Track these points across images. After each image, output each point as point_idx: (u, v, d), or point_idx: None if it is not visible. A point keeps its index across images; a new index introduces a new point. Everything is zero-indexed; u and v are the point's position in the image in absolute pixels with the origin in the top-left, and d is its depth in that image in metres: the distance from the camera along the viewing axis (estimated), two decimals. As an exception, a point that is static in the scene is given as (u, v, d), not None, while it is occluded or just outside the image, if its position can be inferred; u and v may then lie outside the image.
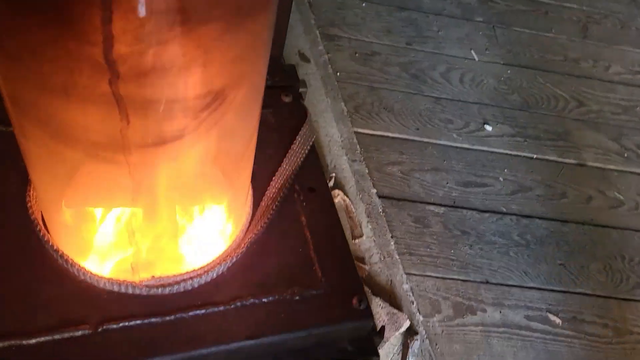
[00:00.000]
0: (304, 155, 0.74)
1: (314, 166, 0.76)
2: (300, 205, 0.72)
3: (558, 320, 1.28)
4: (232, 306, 0.63)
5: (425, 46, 1.72)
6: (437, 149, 1.49)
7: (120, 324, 0.60)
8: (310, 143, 0.76)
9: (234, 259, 0.64)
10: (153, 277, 0.61)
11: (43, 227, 0.62)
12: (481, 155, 1.51)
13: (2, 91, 0.45)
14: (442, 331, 1.18)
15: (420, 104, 1.56)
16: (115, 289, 0.61)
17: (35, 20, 0.37)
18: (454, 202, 1.40)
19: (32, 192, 0.65)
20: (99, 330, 0.59)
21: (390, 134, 1.48)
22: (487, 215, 1.38)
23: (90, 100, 0.41)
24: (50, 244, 0.60)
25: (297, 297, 0.65)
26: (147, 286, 0.61)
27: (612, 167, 1.52)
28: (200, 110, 0.45)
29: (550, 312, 1.26)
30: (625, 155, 1.55)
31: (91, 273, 0.60)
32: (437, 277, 1.29)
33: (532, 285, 1.29)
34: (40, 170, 0.51)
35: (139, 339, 0.59)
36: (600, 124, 1.61)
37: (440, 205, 1.38)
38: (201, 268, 0.63)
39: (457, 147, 1.50)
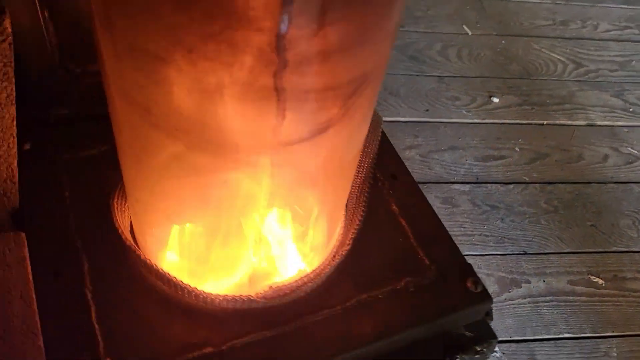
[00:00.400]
0: (377, 142, 0.71)
1: (389, 152, 0.73)
2: (388, 194, 0.69)
3: (601, 281, 1.28)
4: (350, 306, 0.60)
5: (418, 26, 1.70)
6: (450, 127, 1.47)
7: (244, 341, 0.56)
8: (380, 129, 0.73)
9: (341, 258, 0.61)
10: (270, 287, 0.57)
11: (143, 252, 0.57)
12: (493, 128, 1.51)
13: (128, 102, 0.41)
14: (492, 308, 1.16)
15: (425, 85, 1.54)
16: (231, 305, 0.57)
17: (197, 14, 0.33)
18: (477, 178, 1.39)
19: (119, 215, 0.60)
20: (224, 349, 0.55)
21: (401, 119, 1.46)
22: (511, 186, 1.38)
23: (246, 99, 0.37)
24: (155, 268, 0.56)
25: (411, 289, 0.62)
26: (264, 298, 0.57)
27: (620, 123, 1.53)
28: (348, 97, 0.41)
29: (592, 274, 1.26)
30: (631, 110, 1.56)
31: (204, 294, 0.55)
32: (475, 255, 1.28)
33: (568, 250, 1.28)
34: (159, 189, 0.47)
35: (266, 354, 0.55)
36: (601, 82, 1.63)
37: (464, 183, 1.37)
38: (312, 272, 0.59)
39: (469, 123, 1.49)
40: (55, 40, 0.66)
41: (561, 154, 1.45)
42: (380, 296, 0.61)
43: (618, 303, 1.24)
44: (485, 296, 0.62)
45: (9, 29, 0.49)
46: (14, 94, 0.54)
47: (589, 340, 1.20)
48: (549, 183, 1.39)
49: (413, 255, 0.64)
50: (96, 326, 0.55)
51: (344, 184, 0.53)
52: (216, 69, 0.36)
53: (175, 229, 0.53)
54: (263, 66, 0.35)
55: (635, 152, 1.48)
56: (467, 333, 0.64)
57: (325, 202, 0.52)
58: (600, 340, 1.20)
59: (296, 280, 0.59)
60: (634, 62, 1.70)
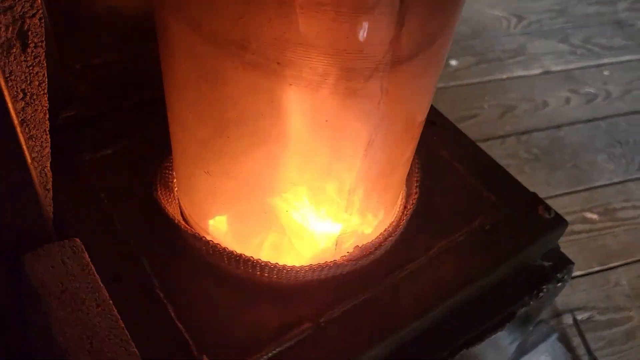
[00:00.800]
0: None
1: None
2: (433, 141, 0.66)
3: (595, 216, 1.30)
4: (433, 254, 0.56)
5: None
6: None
7: (340, 309, 0.52)
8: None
9: (413, 207, 0.58)
10: (357, 247, 0.52)
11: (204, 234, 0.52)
12: (459, 90, 1.51)
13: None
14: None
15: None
16: (316, 275, 0.52)
17: None
18: (455, 139, 1.38)
19: (168, 205, 0.54)
20: (322, 323, 0.50)
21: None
22: (489, 142, 1.38)
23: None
24: (228, 251, 0.51)
25: (487, 227, 0.59)
26: (351, 260, 0.53)
27: (572, 66, 1.57)
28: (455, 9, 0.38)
29: (585, 211, 1.28)
30: (578, 52, 1.61)
31: (287, 268, 0.51)
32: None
33: (558, 192, 1.30)
34: (240, 151, 0.42)
35: (367, 318, 0.51)
36: (546, 31, 1.67)
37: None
38: (390, 225, 0.56)
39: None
40: (52, 34, 0.59)
41: (527, 104, 1.47)
42: (459, 239, 0.58)
43: (615, 233, 1.26)
44: (559, 220, 0.60)
45: (39, 2, 0.43)
46: (46, 80, 0.47)
47: (598, 275, 1.21)
48: (524, 133, 1.41)
49: (477, 194, 0.62)
50: (179, 325, 0.49)
51: (423, 122, 0.50)
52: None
53: (247, 200, 0.48)
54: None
55: (593, 90, 1.53)
56: (546, 263, 0.62)
57: (414, 141, 0.49)
58: (608, 272, 1.22)
59: (378, 237, 0.55)
60: (569, 8, 1.75)
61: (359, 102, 0.40)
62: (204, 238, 0.52)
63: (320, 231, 0.50)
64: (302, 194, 0.46)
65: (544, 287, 0.60)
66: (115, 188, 0.58)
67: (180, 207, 0.57)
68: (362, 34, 0.36)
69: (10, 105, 0.39)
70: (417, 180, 0.59)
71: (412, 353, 0.54)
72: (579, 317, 1.14)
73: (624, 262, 1.24)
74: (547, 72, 1.56)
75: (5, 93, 0.38)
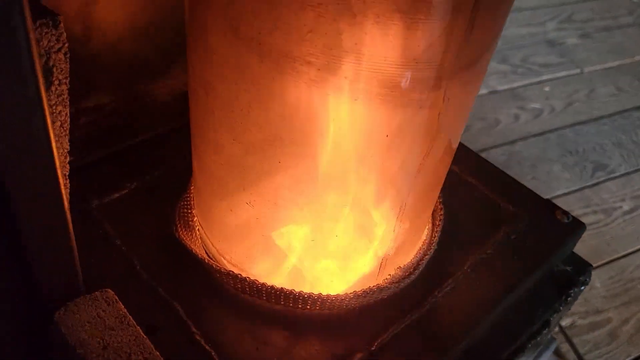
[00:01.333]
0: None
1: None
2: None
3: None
4: (468, 269, 0.56)
5: None
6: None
7: (390, 334, 0.50)
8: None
9: (441, 223, 0.57)
10: (399, 268, 0.51)
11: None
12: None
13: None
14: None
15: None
16: (359, 301, 0.50)
17: None
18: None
19: (191, 243, 0.51)
20: (374, 350, 0.48)
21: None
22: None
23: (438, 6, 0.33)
24: (267, 286, 0.48)
25: (513, 236, 0.59)
26: (394, 282, 0.51)
27: (516, 84, 1.63)
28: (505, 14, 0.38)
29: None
30: (519, 71, 1.67)
31: (331, 297, 0.49)
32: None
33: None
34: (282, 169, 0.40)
35: (418, 340, 0.50)
36: (486, 54, 1.72)
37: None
38: (424, 243, 0.55)
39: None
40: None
41: (481, 122, 1.51)
42: (489, 251, 0.57)
43: (583, 239, 1.30)
44: (578, 224, 0.61)
45: (64, 36, 0.40)
46: (69, 120, 0.44)
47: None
48: (482, 150, 1.44)
49: (495, 205, 0.62)
50: (227, 370, 0.46)
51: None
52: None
53: (293, 229, 0.46)
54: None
55: (538, 106, 1.59)
56: (567, 267, 0.62)
57: (454, 153, 0.48)
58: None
59: (415, 255, 0.54)
60: (504, 33, 1.83)
61: (422, 114, 0.39)
62: (239, 275, 0.49)
63: (368, 254, 0.48)
64: (353, 216, 0.44)
65: (571, 291, 0.60)
66: (130, 232, 0.54)
67: (205, 244, 0.54)
68: (434, 41, 0.35)
69: (55, 151, 0.35)
70: (440, 196, 0.58)
71: (461, 372, 0.52)
72: (562, 323, 1.15)
73: (595, 265, 1.28)
74: (494, 92, 1.62)
75: (51, 135, 0.35)
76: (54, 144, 0.35)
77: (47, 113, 0.34)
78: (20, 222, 0.37)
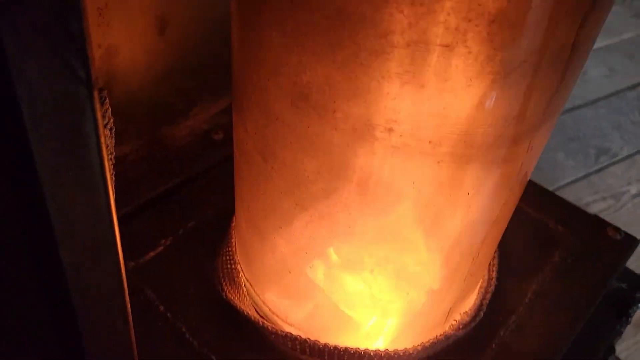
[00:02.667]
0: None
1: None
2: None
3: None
4: (529, 301, 0.53)
5: None
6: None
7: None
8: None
9: (496, 257, 0.55)
10: (466, 313, 0.48)
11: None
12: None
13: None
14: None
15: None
16: (426, 352, 0.48)
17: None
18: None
19: (240, 301, 0.48)
20: (451, 405, 0.46)
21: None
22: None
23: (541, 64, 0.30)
24: (329, 346, 0.45)
25: (569, 260, 0.57)
26: (462, 328, 0.48)
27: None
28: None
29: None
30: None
31: (399, 352, 0.46)
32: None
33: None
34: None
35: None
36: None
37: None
38: (483, 281, 0.52)
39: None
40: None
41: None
42: (548, 279, 0.55)
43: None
44: (631, 239, 0.59)
45: (110, 111, 0.36)
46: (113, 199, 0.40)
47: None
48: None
49: (545, 227, 0.60)
50: None
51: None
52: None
53: (364, 290, 0.43)
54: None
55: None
56: (623, 285, 0.60)
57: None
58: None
59: (477, 296, 0.51)
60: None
61: (505, 167, 0.36)
62: (299, 337, 0.46)
63: (439, 309, 0.46)
64: (428, 277, 0.42)
65: (630, 310, 0.58)
66: (173, 296, 0.51)
67: (254, 301, 0.50)
68: (526, 99, 0.32)
69: (118, 241, 0.32)
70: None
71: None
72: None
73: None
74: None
75: (114, 219, 0.31)
76: (116, 231, 0.32)
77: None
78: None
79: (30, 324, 0.32)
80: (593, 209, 1.33)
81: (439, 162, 0.34)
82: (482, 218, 0.39)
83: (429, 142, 0.33)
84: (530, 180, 0.63)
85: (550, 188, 1.37)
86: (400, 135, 0.32)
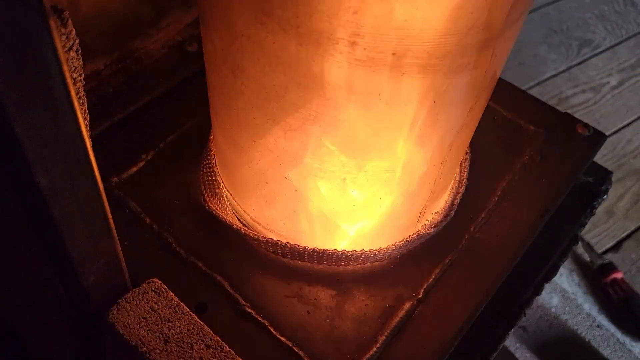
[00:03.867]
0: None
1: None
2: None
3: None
4: (500, 199, 0.56)
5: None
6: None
7: (434, 277, 0.50)
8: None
9: (468, 158, 0.56)
10: (437, 213, 0.51)
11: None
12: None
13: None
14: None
15: None
16: (402, 251, 0.50)
17: None
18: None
19: (223, 212, 0.50)
20: (421, 296, 0.49)
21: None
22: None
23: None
24: (319, 250, 0.48)
25: (538, 158, 0.59)
26: (434, 227, 0.51)
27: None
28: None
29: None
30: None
31: (374, 252, 0.49)
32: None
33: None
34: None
35: (464, 278, 0.50)
36: None
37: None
38: (455, 180, 0.54)
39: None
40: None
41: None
42: (517, 177, 0.57)
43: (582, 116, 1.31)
44: (599, 135, 0.61)
45: (74, 32, 0.36)
46: (88, 118, 0.41)
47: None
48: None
49: (516, 127, 0.61)
50: (283, 339, 0.47)
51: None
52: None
53: (337, 190, 0.45)
54: None
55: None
56: (589, 178, 0.62)
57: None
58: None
59: (449, 195, 0.53)
60: None
61: (470, 75, 0.37)
62: (279, 242, 0.49)
63: (411, 210, 0.48)
64: (398, 180, 0.43)
65: (595, 203, 0.61)
66: (157, 208, 0.53)
67: (236, 211, 0.53)
68: (486, 6, 0.32)
69: (93, 159, 0.33)
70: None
71: (502, 299, 0.54)
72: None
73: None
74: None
75: (85, 134, 0.32)
76: (89, 145, 0.33)
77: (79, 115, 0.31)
78: (54, 212, 0.34)
79: (20, 251, 0.34)
80: (573, 102, 1.35)
81: (403, 74, 0.35)
82: (449, 125, 0.40)
83: (393, 54, 0.33)
84: (502, 81, 0.64)
85: (532, 83, 1.38)
86: (364, 49, 0.33)
